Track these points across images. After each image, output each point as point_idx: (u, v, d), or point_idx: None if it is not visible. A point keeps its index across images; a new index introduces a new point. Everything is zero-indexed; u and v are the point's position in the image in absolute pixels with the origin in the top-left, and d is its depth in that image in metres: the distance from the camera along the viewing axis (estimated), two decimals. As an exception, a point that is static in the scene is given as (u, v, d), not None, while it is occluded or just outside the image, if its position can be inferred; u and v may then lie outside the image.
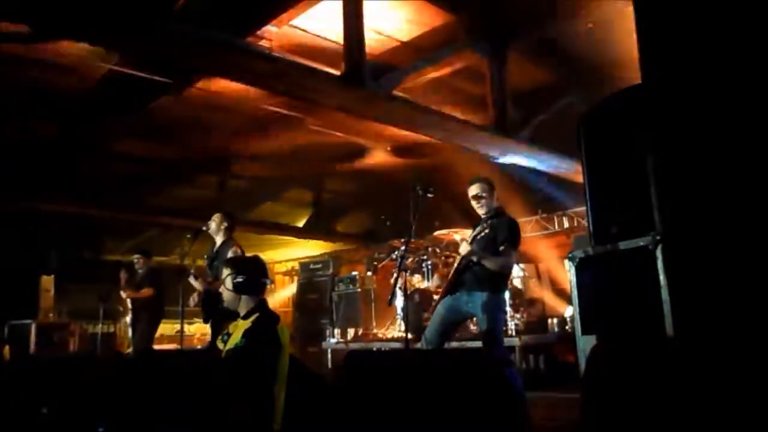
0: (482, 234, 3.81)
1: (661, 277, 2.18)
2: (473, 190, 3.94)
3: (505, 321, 6.31)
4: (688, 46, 2.44)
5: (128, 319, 6.61)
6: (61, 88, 6.30)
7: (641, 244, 2.33)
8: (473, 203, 3.94)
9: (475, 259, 3.74)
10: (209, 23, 4.43)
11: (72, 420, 3.35)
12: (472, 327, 6.06)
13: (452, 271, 3.90)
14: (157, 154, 8.42)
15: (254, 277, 2.90)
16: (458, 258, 3.89)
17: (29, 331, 7.35)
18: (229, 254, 4.85)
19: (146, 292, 6.40)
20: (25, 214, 8.76)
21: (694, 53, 2.41)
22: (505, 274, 3.88)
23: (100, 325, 8.12)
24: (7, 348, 6.94)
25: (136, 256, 6.75)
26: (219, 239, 5.10)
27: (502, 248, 3.76)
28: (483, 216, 3.96)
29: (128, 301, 6.55)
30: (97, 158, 8.21)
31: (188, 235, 5.38)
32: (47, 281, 8.89)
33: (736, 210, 2.17)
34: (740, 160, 2.21)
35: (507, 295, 6.87)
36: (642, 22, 2.59)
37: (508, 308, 6.80)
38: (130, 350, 6.81)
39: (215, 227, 5.09)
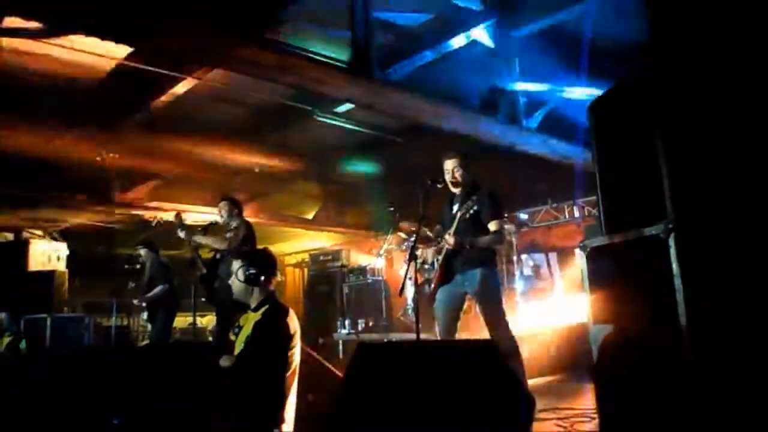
0: (467, 214, 3.67)
1: (674, 266, 2.16)
2: (449, 165, 3.81)
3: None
4: (699, 30, 2.40)
5: (145, 315, 6.66)
6: (68, 83, 6.31)
7: (654, 232, 2.30)
8: (448, 179, 3.82)
9: (467, 247, 3.67)
10: (216, 16, 4.42)
11: (87, 413, 3.39)
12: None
13: (441, 259, 3.82)
14: (164, 149, 8.43)
15: (265, 269, 2.91)
16: (445, 247, 3.78)
17: (45, 325, 7.45)
18: (233, 222, 5.01)
19: (160, 290, 6.41)
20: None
21: (706, 38, 2.37)
22: (496, 248, 3.88)
23: (114, 319, 8.21)
24: (23, 342, 7.03)
25: (139, 246, 6.77)
26: (232, 223, 5.27)
27: (491, 225, 3.71)
28: (458, 192, 3.87)
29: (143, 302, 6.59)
30: (105, 152, 8.23)
31: (199, 228, 5.46)
32: (61, 275, 8.99)
33: (750, 197, 2.14)
34: (755, 147, 2.18)
35: (521, 283, 6.89)
36: (652, 6, 2.55)
37: (519, 298, 6.79)
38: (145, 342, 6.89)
39: (226, 214, 5.27)
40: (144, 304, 6.51)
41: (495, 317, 3.69)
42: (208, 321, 11.26)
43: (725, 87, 2.29)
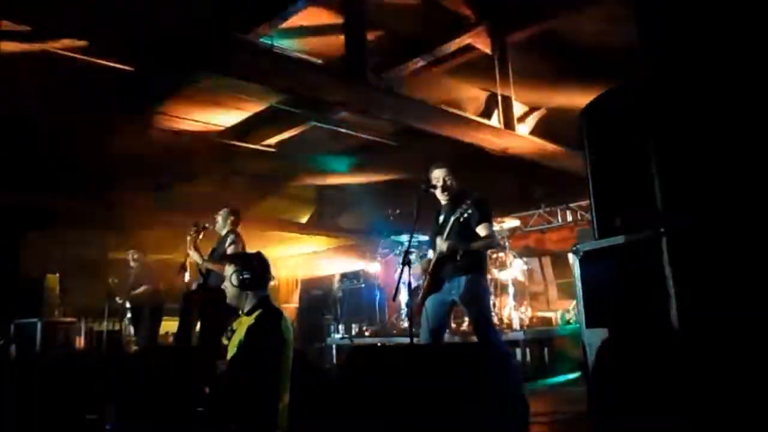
0: (458, 221, 3.70)
1: (666, 270, 2.17)
2: (437, 174, 3.87)
3: (494, 304, 6.31)
4: (689, 35, 2.42)
5: (128, 317, 6.65)
6: (60, 85, 6.28)
7: (646, 236, 2.32)
8: (436, 189, 3.86)
9: (460, 252, 3.68)
10: (211, 19, 4.43)
11: (80, 418, 3.37)
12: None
13: (431, 267, 3.82)
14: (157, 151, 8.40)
15: (259, 273, 2.90)
16: (436, 254, 3.79)
17: (35, 329, 7.37)
18: (228, 243, 5.02)
19: (144, 290, 6.42)
20: (29, 211, 8.77)
21: (695, 42, 2.40)
22: (486, 253, 3.91)
23: (106, 323, 8.15)
24: (12, 347, 6.98)
25: (131, 251, 6.80)
26: (224, 233, 5.25)
27: (480, 228, 3.73)
28: (445, 202, 3.90)
29: (126, 301, 6.61)
30: (100, 155, 8.20)
31: (192, 232, 5.45)
32: (52, 280, 8.91)
33: (741, 201, 2.16)
34: (746, 152, 2.20)
35: (511, 289, 6.89)
36: (642, 11, 2.57)
37: (511, 302, 6.80)
38: (132, 348, 6.86)
39: (222, 222, 5.26)
40: (128, 305, 6.51)
41: (482, 322, 3.71)
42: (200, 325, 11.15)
43: (717, 92, 2.31)
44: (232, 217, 5.31)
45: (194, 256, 5.18)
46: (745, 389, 1.95)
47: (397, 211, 7.13)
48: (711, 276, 2.11)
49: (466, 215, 3.66)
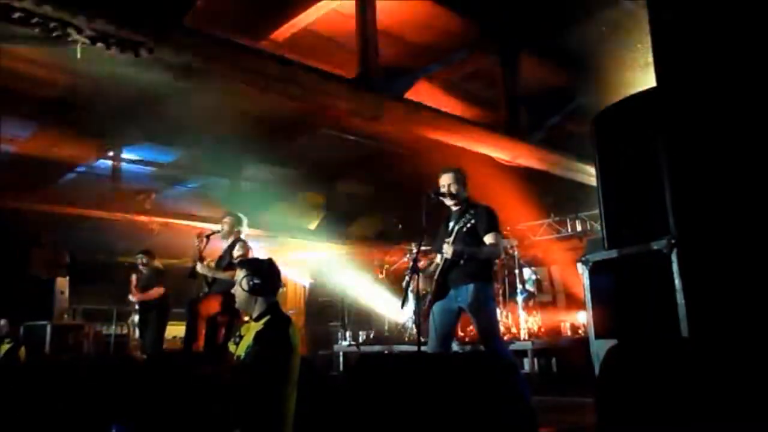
0: (464, 228, 3.70)
1: (676, 281, 2.16)
2: (445, 180, 3.85)
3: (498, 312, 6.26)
4: (702, 46, 2.41)
5: (135, 319, 6.70)
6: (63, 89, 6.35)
7: (656, 247, 2.31)
8: (444, 193, 3.85)
9: (464, 257, 3.67)
10: (220, 25, 4.46)
11: (86, 420, 3.38)
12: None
13: (437, 274, 3.81)
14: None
15: (269, 279, 2.92)
16: (441, 259, 3.78)
17: (44, 332, 7.43)
18: (236, 249, 5.03)
19: (156, 292, 6.48)
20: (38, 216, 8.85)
21: (708, 54, 2.39)
22: (491, 262, 3.88)
23: (114, 327, 8.20)
24: (22, 349, 7.02)
25: (140, 255, 6.86)
26: (230, 240, 5.27)
27: (488, 237, 3.72)
28: (454, 209, 3.89)
29: (136, 302, 6.67)
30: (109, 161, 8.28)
31: (202, 237, 5.48)
32: (62, 283, 8.98)
33: (752, 213, 2.14)
34: (757, 163, 2.19)
35: (523, 297, 6.86)
36: (656, 23, 2.57)
37: (521, 312, 6.77)
38: (138, 352, 6.88)
39: (228, 229, 5.26)
40: (137, 306, 6.57)
41: (488, 331, 3.70)
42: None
43: (728, 102, 2.30)
44: (237, 226, 5.33)
45: (200, 267, 5.17)
46: (756, 401, 1.93)
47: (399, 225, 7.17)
48: (722, 288, 2.09)
49: (472, 223, 3.66)
